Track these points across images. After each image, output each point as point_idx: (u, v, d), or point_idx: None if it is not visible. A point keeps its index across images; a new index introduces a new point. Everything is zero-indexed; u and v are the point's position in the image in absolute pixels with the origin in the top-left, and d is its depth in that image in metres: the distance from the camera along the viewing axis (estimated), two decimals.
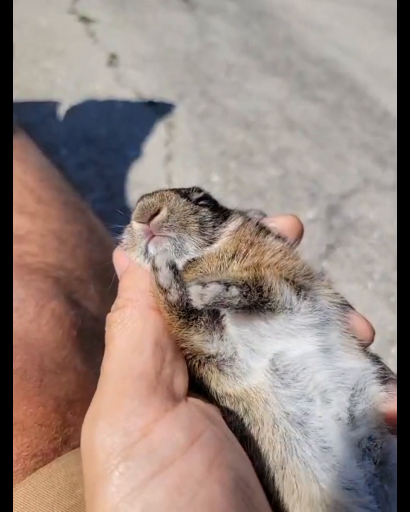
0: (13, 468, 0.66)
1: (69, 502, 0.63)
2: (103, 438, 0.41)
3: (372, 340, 0.57)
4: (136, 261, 0.54)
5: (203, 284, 0.46)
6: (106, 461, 0.40)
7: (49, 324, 0.83)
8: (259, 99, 2.52)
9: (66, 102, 2.18)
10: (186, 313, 0.48)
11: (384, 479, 0.46)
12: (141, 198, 0.57)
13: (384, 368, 0.54)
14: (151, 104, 2.30)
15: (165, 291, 0.48)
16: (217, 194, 0.67)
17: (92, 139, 2.04)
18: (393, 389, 0.52)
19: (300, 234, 0.64)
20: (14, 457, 0.67)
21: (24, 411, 0.71)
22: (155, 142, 2.10)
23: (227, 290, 0.45)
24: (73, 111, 2.15)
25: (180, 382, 0.48)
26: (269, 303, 0.49)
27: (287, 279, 0.52)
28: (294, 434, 0.46)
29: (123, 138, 2.08)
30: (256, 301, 0.48)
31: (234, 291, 0.46)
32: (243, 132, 2.29)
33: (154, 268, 0.49)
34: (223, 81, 2.61)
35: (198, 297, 0.45)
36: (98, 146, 2.01)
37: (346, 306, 0.57)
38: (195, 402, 0.47)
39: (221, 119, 2.34)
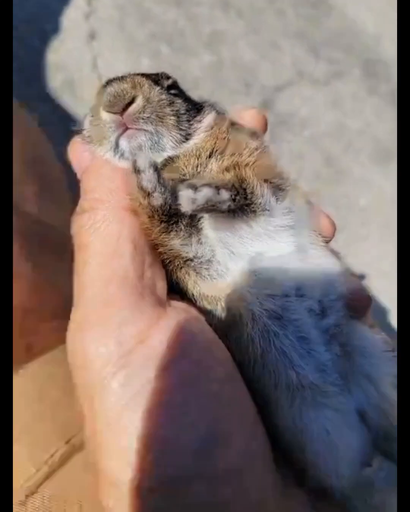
0: None
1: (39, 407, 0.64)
2: (96, 347, 0.41)
3: (333, 236, 0.60)
4: (105, 157, 0.49)
5: (195, 188, 0.43)
6: (102, 371, 0.40)
7: None
8: None
9: None
10: (168, 217, 0.46)
11: (346, 357, 0.52)
12: (109, 82, 0.50)
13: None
14: None
15: (148, 194, 0.45)
16: None
17: None
18: (350, 277, 0.55)
19: (265, 130, 0.62)
20: None
21: None
22: (75, 16, 1.82)
23: (218, 193, 0.43)
24: None
25: (161, 286, 0.47)
26: (252, 206, 0.48)
27: (265, 180, 0.51)
28: (272, 328, 0.49)
29: (35, 7, 1.78)
30: (241, 205, 0.46)
31: (224, 194, 0.44)
32: (173, 10, 2.05)
33: (136, 170, 0.45)
34: None
35: (190, 201, 0.43)
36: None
37: (310, 204, 0.59)
38: (180, 306, 0.47)
39: None
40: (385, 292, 1.67)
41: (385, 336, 0.56)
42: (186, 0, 2.11)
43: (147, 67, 1.84)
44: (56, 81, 1.66)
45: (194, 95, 0.60)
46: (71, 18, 1.81)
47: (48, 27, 1.76)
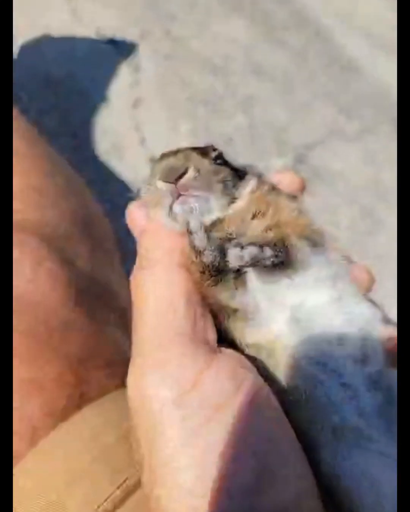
0: (33, 425, 0.69)
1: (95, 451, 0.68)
2: (155, 391, 0.45)
3: (372, 286, 0.63)
4: (160, 220, 0.55)
5: (241, 246, 0.49)
6: (160, 412, 0.44)
7: (47, 284, 0.83)
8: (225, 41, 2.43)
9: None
10: (217, 272, 0.52)
11: (390, 403, 0.53)
12: (163, 156, 0.58)
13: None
14: (112, 42, 2.17)
15: (200, 253, 0.50)
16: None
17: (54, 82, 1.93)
18: (393, 329, 0.58)
19: (302, 191, 0.67)
20: (32, 416, 0.70)
21: (35, 370, 0.73)
22: (121, 85, 2.01)
23: (262, 251, 0.49)
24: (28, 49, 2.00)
25: (212, 335, 0.52)
26: (292, 260, 0.53)
27: (304, 237, 0.56)
28: (316, 375, 0.52)
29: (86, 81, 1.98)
30: (282, 260, 0.52)
31: (268, 251, 0.49)
32: (210, 76, 2.23)
33: (190, 232, 0.51)
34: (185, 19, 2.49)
35: (237, 258, 0.49)
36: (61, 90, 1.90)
37: (348, 257, 0.63)
38: (229, 352, 0.51)
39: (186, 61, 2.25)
40: None
41: None
42: (222, 69, 2.30)
43: (185, 129, 1.99)
44: (104, 145, 1.82)
45: (229, 152, 0.66)
46: (117, 88, 1.99)
47: (97, 97, 1.94)
